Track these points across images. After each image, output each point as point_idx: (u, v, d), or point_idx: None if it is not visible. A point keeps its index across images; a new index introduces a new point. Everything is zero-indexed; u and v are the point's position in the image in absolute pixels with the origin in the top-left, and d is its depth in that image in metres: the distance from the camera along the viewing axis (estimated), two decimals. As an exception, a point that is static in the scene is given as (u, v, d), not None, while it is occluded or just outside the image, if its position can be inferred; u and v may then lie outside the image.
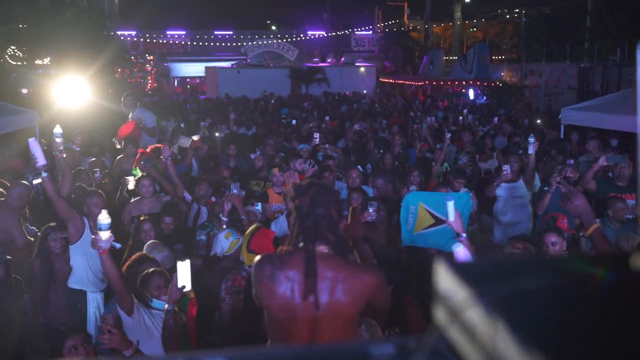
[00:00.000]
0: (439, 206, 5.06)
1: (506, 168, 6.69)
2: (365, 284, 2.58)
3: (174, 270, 3.68)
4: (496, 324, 0.57)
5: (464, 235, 3.34)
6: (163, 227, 5.56)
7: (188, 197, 6.68)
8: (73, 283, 5.18)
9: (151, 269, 4.02)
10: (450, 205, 3.31)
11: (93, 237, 3.79)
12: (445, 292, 0.64)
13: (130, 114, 9.81)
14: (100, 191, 5.60)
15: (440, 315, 0.66)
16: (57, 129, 5.72)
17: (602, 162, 6.45)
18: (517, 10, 38.85)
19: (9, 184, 6.28)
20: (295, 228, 2.62)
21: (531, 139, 6.82)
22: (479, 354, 0.60)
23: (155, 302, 3.88)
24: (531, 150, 6.78)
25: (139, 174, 6.72)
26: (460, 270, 0.64)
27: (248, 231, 4.40)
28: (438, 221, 5.07)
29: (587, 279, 0.67)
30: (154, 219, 5.52)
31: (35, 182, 6.53)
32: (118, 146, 8.98)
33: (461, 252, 3.06)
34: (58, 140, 5.70)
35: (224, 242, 4.92)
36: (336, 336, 2.53)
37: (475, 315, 0.59)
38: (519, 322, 0.57)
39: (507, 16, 40.29)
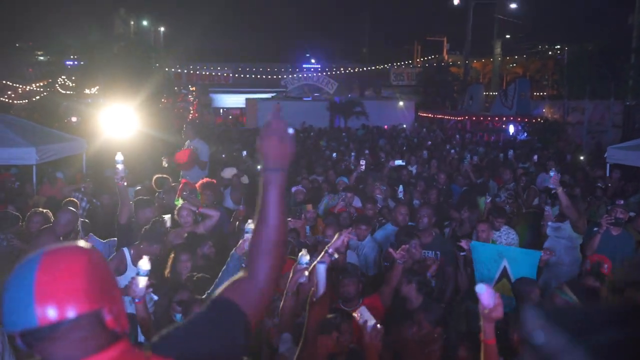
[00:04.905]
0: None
1: (547, 209, 6.56)
2: None
3: None
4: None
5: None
6: (207, 253, 5.54)
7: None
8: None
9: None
10: (484, 294, 2.68)
11: (131, 279, 3.74)
12: (537, 339, 0.63)
13: (188, 142, 9.83)
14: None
15: (531, 361, 0.64)
16: (119, 156, 5.71)
17: None
18: (558, 46, 38.48)
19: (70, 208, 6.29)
20: None
21: (551, 172, 6.14)
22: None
23: None
24: (551, 184, 6.00)
25: (181, 203, 6.77)
26: (555, 316, 0.63)
27: None
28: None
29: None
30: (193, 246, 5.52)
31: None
32: (165, 165, 9.08)
33: (486, 294, 2.63)
34: (120, 167, 5.71)
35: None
36: None
37: (571, 363, 0.58)
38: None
39: (549, 52, 39.83)
